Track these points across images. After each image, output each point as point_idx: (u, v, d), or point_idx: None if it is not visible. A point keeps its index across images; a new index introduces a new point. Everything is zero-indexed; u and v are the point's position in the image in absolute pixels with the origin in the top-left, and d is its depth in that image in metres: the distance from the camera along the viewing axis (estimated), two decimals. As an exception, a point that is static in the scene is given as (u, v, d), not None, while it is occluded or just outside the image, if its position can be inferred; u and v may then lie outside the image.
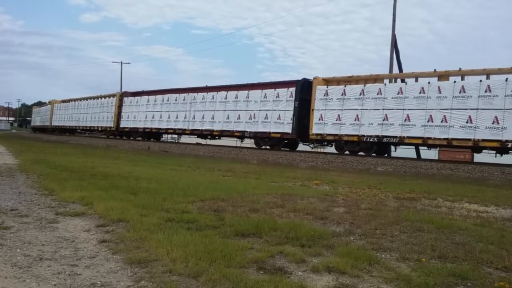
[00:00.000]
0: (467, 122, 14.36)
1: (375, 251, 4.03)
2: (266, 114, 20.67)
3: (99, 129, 35.79)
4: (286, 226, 4.72)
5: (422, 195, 8.28)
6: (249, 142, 24.92)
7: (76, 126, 39.90)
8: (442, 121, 14.91)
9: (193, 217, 5.11)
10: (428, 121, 15.25)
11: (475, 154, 19.84)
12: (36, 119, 56.58)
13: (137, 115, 30.10)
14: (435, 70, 16.17)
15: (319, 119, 18.40)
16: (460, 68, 15.52)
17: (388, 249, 4.10)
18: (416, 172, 14.45)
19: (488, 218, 5.99)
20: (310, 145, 21.45)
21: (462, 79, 15.23)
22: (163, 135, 33.03)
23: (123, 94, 33.05)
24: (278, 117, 20.09)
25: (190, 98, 25.39)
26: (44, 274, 3.18)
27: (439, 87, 15.18)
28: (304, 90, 19.35)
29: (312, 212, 5.79)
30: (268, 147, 21.42)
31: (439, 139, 15.07)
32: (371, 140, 16.96)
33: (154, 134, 30.06)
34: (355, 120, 17.26)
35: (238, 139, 24.16)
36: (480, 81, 14.43)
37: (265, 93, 20.91)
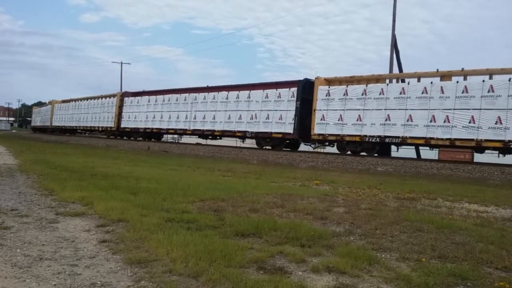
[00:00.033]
0: (470, 122, 14.33)
1: (375, 251, 4.04)
2: (268, 114, 20.64)
3: (100, 129, 35.78)
4: (286, 226, 4.72)
5: (422, 195, 8.28)
6: (249, 142, 24.92)
7: (76, 126, 39.90)
8: (444, 121, 14.88)
9: (193, 217, 5.11)
10: (430, 121, 15.22)
11: (475, 154, 19.84)
12: (36, 119, 56.59)
13: (138, 115, 30.07)
14: (437, 70, 16.12)
15: (321, 119, 18.36)
16: (462, 68, 15.47)
17: (388, 249, 4.10)
18: (416, 172, 14.45)
19: (488, 218, 5.99)
20: (312, 145, 21.42)
21: (465, 79, 15.19)
22: (164, 135, 33.02)
23: (124, 94, 33.01)
24: (280, 117, 20.06)
25: (191, 98, 25.36)
26: (44, 274, 3.18)
27: (441, 87, 15.15)
28: (305, 90, 19.32)
29: (312, 212, 5.79)
30: (269, 147, 21.39)
31: (442, 139, 15.03)
32: (373, 140, 16.92)
33: (155, 134, 30.04)
34: (357, 120, 17.22)
35: (240, 139, 24.15)
36: (483, 81, 14.39)
37: (267, 93, 20.88)
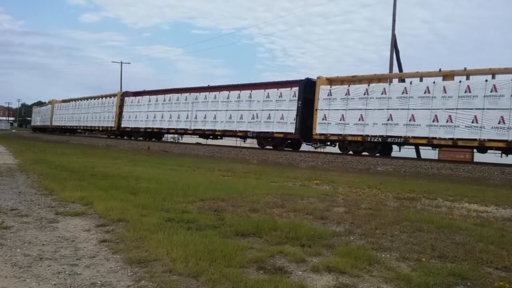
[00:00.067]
0: (472, 122, 14.29)
1: (375, 250, 4.04)
2: (269, 114, 20.60)
3: (100, 129, 35.75)
4: (286, 226, 4.72)
5: (422, 195, 8.28)
6: (249, 142, 24.91)
7: (77, 126, 39.87)
8: (447, 121, 14.84)
9: (193, 217, 5.11)
10: (433, 121, 15.17)
11: (475, 154, 19.83)
12: (36, 119, 56.56)
13: (138, 115, 30.02)
14: (440, 69, 16.07)
15: (323, 119, 18.33)
16: (465, 68, 15.42)
17: (388, 249, 4.10)
18: (416, 172, 14.45)
19: (488, 218, 5.99)
20: (314, 145, 21.37)
21: (467, 78, 15.15)
22: (165, 135, 32.99)
23: (125, 94, 32.93)
24: (281, 117, 20.02)
25: (192, 98, 25.31)
26: (44, 273, 3.18)
27: (444, 86, 15.10)
28: (307, 90, 19.29)
29: (312, 212, 5.79)
30: (271, 147, 21.37)
31: (445, 139, 14.98)
32: (375, 140, 16.88)
33: (155, 134, 30.01)
34: (359, 120, 17.18)
35: (241, 139, 24.11)
36: (486, 80, 14.35)
37: (268, 93, 20.84)
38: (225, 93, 23.19)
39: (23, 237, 4.16)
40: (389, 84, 17.19)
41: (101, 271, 3.26)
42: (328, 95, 18.29)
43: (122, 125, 31.92)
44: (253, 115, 21.37)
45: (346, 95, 17.72)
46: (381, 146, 17.34)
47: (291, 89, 19.88)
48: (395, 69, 23.79)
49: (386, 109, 16.47)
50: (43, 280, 3.06)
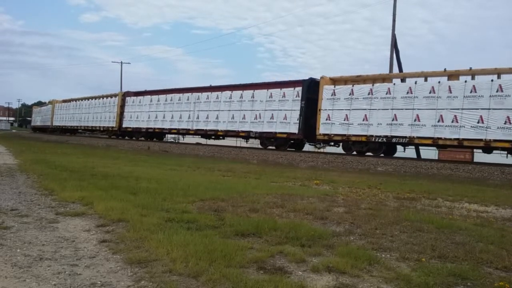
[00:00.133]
0: (478, 122, 14.23)
1: (375, 251, 4.04)
2: (272, 114, 20.54)
3: (101, 129, 35.71)
4: (286, 226, 4.72)
5: (422, 195, 8.28)
6: (250, 142, 24.89)
7: (77, 126, 39.85)
8: (452, 121, 14.77)
9: (193, 217, 5.11)
10: (438, 121, 15.11)
11: (475, 154, 19.84)
12: (37, 119, 56.55)
13: (140, 115, 29.96)
14: (445, 69, 16.00)
15: (326, 119, 18.27)
16: (470, 68, 15.35)
17: (388, 249, 4.10)
18: (416, 172, 14.44)
19: (488, 218, 5.99)
20: (317, 145, 21.29)
21: (473, 78, 15.09)
22: (166, 135, 32.94)
23: (126, 94, 32.83)
24: (284, 117, 19.96)
25: (194, 98, 25.24)
26: (44, 274, 3.18)
27: (449, 86, 15.03)
28: (310, 90, 19.21)
29: (312, 212, 5.79)
30: (273, 147, 21.30)
31: (450, 139, 14.91)
32: (379, 140, 16.81)
33: (157, 134, 29.96)
34: (363, 120, 17.11)
35: (243, 139, 24.06)
36: (492, 80, 14.28)
37: (271, 93, 20.77)
38: (228, 93, 23.13)
39: (23, 237, 4.16)
40: (394, 84, 17.07)
41: (101, 271, 3.26)
42: (331, 95, 18.22)
43: (124, 125, 31.88)
44: (256, 115, 21.30)
45: (350, 95, 17.64)
46: (385, 147, 17.26)
47: (294, 89, 19.81)
48: (395, 69, 23.82)
49: (391, 109, 16.39)
50: (43, 280, 3.06)
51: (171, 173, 11.03)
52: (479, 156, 17.72)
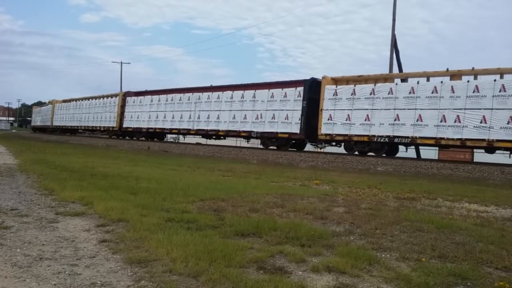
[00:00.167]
0: (481, 122, 14.19)
1: (375, 250, 4.03)
2: (273, 114, 20.51)
3: (102, 129, 35.70)
4: (286, 226, 4.72)
5: (422, 195, 8.28)
6: (250, 142, 24.86)
7: (77, 126, 39.84)
8: (455, 121, 14.73)
9: (193, 217, 5.11)
10: (441, 121, 15.07)
11: (475, 154, 19.83)
12: (37, 119, 56.55)
13: (140, 115, 29.94)
14: (447, 69, 15.97)
15: (328, 119, 18.24)
16: (473, 68, 15.32)
17: (388, 249, 4.10)
18: (416, 172, 14.44)
19: (488, 218, 5.99)
20: (318, 145, 21.26)
21: (475, 78, 15.06)
22: (167, 135, 32.92)
23: (126, 94, 32.81)
24: (286, 117, 19.93)
25: (195, 98, 25.20)
26: (44, 273, 3.18)
27: (452, 86, 14.99)
28: (312, 90, 19.18)
29: (312, 212, 5.79)
30: (274, 147, 21.27)
31: (453, 139, 14.87)
32: (381, 140, 16.78)
33: (158, 134, 29.93)
34: (365, 120, 17.07)
35: (245, 139, 24.03)
36: (495, 80, 14.26)
37: (272, 93, 20.74)
38: (229, 93, 23.10)
39: (23, 237, 4.16)
40: (396, 84, 17.02)
41: (101, 271, 3.26)
42: (333, 95, 18.19)
43: (124, 125, 31.85)
44: (257, 115, 21.26)
45: (352, 95, 17.60)
46: (387, 147, 17.22)
47: (295, 89, 19.78)
48: (395, 69, 23.80)
49: (393, 109, 16.35)
50: (43, 280, 3.06)
51: (171, 173, 11.03)
52: (479, 156, 17.71)
